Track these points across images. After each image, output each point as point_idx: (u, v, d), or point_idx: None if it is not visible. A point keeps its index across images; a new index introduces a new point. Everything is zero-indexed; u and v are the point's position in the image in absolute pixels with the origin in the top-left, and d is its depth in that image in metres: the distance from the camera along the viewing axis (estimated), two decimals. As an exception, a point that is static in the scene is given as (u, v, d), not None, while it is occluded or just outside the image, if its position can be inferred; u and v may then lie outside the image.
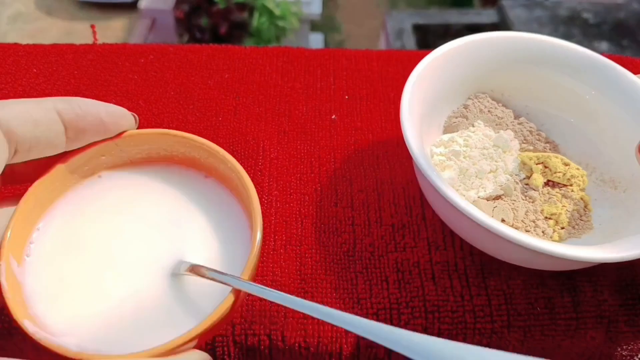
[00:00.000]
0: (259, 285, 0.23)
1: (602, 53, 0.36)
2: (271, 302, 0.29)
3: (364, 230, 0.33)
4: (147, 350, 0.21)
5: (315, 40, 2.07)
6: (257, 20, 1.79)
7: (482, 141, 0.34)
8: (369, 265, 0.31)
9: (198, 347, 0.23)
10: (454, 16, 1.58)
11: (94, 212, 0.27)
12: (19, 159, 0.25)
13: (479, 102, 0.37)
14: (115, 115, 0.27)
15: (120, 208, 0.28)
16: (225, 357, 0.29)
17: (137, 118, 0.28)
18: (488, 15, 1.59)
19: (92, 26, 0.52)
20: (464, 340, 0.29)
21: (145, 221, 0.27)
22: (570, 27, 1.48)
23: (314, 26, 2.12)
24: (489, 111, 0.36)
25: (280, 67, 0.43)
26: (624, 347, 0.30)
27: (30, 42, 0.44)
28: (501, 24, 1.52)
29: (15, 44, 0.43)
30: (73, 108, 0.25)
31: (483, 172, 0.33)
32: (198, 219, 0.27)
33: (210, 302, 0.24)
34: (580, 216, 0.32)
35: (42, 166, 0.26)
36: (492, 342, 0.30)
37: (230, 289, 0.23)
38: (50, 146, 0.25)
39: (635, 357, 0.31)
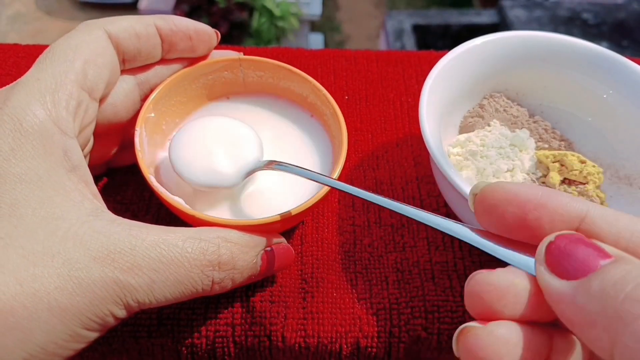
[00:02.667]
0: (336, 181, 0.26)
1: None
2: (272, 303, 0.29)
3: (364, 230, 0.33)
4: (244, 220, 0.26)
5: (315, 41, 2.06)
6: (257, 21, 1.79)
7: (499, 140, 0.34)
8: (369, 265, 0.31)
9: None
10: (454, 16, 1.58)
11: (215, 123, 0.32)
12: (126, 67, 0.29)
13: (495, 101, 0.37)
14: (200, 33, 0.31)
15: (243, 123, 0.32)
16: (226, 357, 0.29)
17: (219, 35, 0.32)
18: (488, 15, 1.59)
19: None
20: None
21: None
22: (570, 27, 1.48)
23: (314, 26, 2.12)
24: (504, 110, 0.37)
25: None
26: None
27: (30, 42, 0.44)
28: (501, 25, 1.52)
29: (16, 44, 0.43)
30: (168, 24, 0.29)
31: (500, 172, 0.33)
32: (297, 148, 0.32)
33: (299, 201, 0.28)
34: None
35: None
36: (492, 342, 0.30)
37: (310, 196, 0.28)
38: (149, 56, 0.30)
39: None
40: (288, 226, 0.31)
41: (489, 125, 0.36)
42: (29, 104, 0.24)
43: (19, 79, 0.25)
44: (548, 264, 0.18)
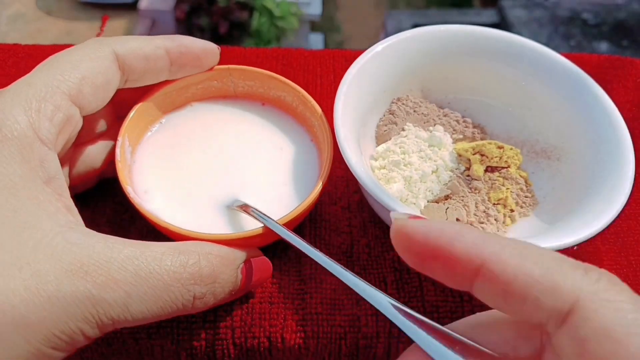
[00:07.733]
0: (290, 232, 0.26)
1: (601, 53, 0.36)
2: (271, 304, 0.29)
3: (360, 230, 0.33)
4: (223, 234, 0.26)
5: (315, 41, 2.07)
6: (257, 21, 1.80)
7: (417, 144, 0.34)
8: (367, 265, 0.31)
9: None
10: (454, 16, 1.58)
11: (197, 131, 0.33)
12: (128, 86, 0.29)
13: (403, 104, 0.36)
14: (207, 51, 0.31)
15: (217, 130, 0.33)
16: (226, 359, 0.29)
17: (220, 50, 0.32)
18: (488, 15, 1.59)
19: (105, 17, 0.52)
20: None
21: (230, 150, 0.32)
22: (570, 27, 1.48)
23: (314, 26, 2.12)
24: (414, 111, 0.36)
25: (280, 68, 0.43)
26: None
27: (30, 42, 0.44)
28: (501, 24, 1.52)
29: (16, 44, 0.43)
30: (178, 46, 0.29)
31: (426, 175, 0.32)
32: (278, 167, 0.32)
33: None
34: (524, 193, 0.33)
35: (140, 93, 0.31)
36: (492, 342, 0.30)
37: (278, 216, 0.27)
38: (154, 78, 0.30)
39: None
40: (269, 240, 0.30)
41: (403, 129, 0.35)
42: (12, 109, 0.23)
43: (14, 82, 0.25)
44: None
